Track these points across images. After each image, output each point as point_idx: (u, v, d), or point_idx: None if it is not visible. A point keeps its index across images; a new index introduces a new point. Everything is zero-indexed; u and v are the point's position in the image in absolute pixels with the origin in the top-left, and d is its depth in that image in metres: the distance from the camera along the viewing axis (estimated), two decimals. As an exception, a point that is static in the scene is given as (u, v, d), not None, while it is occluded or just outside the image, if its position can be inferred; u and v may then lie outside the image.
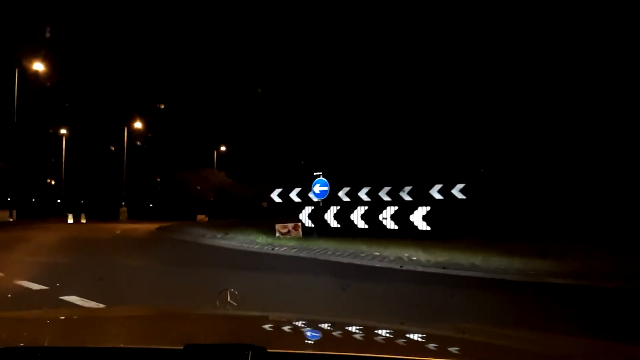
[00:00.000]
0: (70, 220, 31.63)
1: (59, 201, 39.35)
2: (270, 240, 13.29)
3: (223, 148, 47.30)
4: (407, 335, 1.61)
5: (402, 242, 11.38)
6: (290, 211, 16.71)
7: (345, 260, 9.77)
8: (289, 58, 44.65)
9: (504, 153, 21.61)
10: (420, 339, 1.58)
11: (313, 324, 1.79)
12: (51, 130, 37.24)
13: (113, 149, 39.15)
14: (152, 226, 23.27)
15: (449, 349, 1.49)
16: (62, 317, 1.98)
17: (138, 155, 41.71)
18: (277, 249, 11.99)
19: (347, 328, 1.72)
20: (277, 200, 16.41)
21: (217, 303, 1.86)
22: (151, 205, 41.56)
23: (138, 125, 40.00)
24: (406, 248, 10.28)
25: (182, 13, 46.98)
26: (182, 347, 1.10)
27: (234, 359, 1.08)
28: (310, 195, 15.60)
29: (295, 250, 11.53)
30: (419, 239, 12.04)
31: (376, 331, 1.69)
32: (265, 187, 30.33)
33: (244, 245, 13.08)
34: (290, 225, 14.89)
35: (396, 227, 14.01)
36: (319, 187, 15.07)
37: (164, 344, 1.30)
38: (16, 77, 27.90)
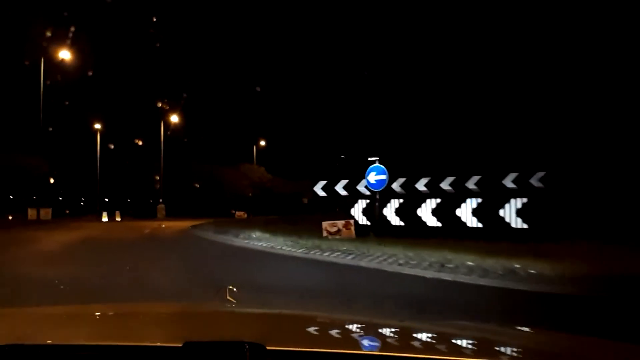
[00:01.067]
0: (105, 219, 30.75)
1: (106, 200, 38.89)
2: (316, 242, 10.71)
3: (262, 143, 45.48)
4: (407, 333, 1.58)
5: (495, 245, 8.47)
6: (334, 207, 14.76)
7: (428, 274, 6.90)
8: (329, 45, 42.10)
9: (588, 134, 18.30)
10: (420, 337, 1.55)
11: (312, 321, 1.75)
12: (90, 128, 36.14)
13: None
14: (187, 224, 21.96)
15: (450, 346, 1.46)
16: (61, 314, 1.84)
17: (176, 152, 40.55)
18: (326, 254, 9.35)
19: (346, 325, 1.71)
20: (321, 194, 13.86)
21: (216, 300, 1.85)
22: (189, 202, 40.28)
23: (175, 119, 38.82)
24: (508, 254, 7.35)
25: (224, 4, 45.40)
26: (181, 345, 1.09)
27: (232, 356, 1.07)
28: (359, 187, 13.01)
29: (351, 257, 8.81)
30: (517, 241, 9.05)
31: (375, 329, 1.65)
32: (305, 182, 28.21)
33: (284, 248, 10.61)
34: (340, 224, 12.23)
35: (480, 225, 10.95)
36: (375, 176, 12.31)
37: (163, 341, 1.27)
38: (42, 69, 26.55)
